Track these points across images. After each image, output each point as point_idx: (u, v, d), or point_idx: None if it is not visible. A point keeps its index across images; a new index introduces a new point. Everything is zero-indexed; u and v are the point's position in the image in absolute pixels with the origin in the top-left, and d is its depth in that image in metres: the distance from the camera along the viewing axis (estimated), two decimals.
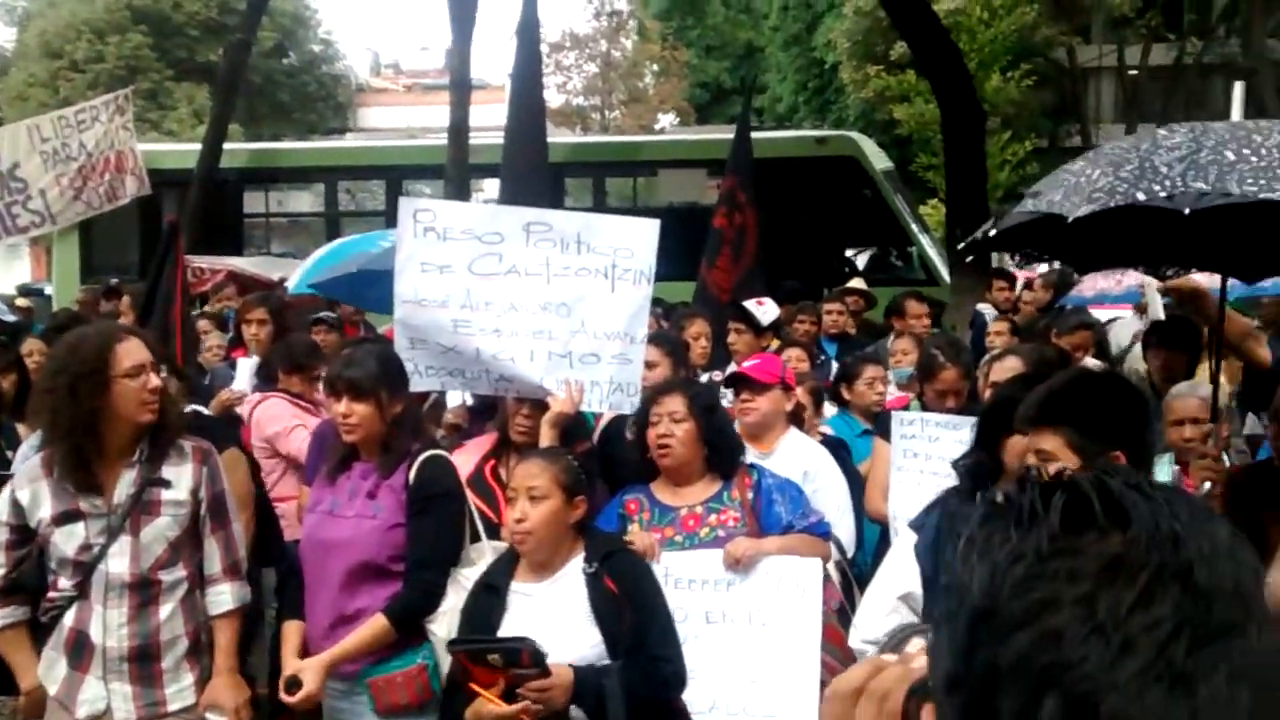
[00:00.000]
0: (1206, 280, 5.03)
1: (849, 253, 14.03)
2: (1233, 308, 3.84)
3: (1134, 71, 31.86)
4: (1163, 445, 4.32)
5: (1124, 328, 7.83)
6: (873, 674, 0.92)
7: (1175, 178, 2.70)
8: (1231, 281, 4.50)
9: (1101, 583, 0.73)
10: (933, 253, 13.22)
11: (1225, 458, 4.02)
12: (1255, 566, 0.78)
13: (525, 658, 2.85)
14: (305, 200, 16.91)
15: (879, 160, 14.18)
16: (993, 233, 3.41)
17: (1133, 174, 2.79)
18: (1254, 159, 2.69)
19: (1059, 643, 0.72)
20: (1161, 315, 6.25)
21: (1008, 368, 4.08)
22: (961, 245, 6.39)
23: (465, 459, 4.04)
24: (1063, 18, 29.14)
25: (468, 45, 14.87)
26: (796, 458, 4.19)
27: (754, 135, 9.93)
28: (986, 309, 9.15)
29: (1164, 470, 4.30)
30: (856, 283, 9.65)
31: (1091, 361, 6.43)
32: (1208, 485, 3.33)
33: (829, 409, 5.53)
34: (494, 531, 3.56)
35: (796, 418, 4.55)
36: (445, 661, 3.23)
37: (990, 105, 20.31)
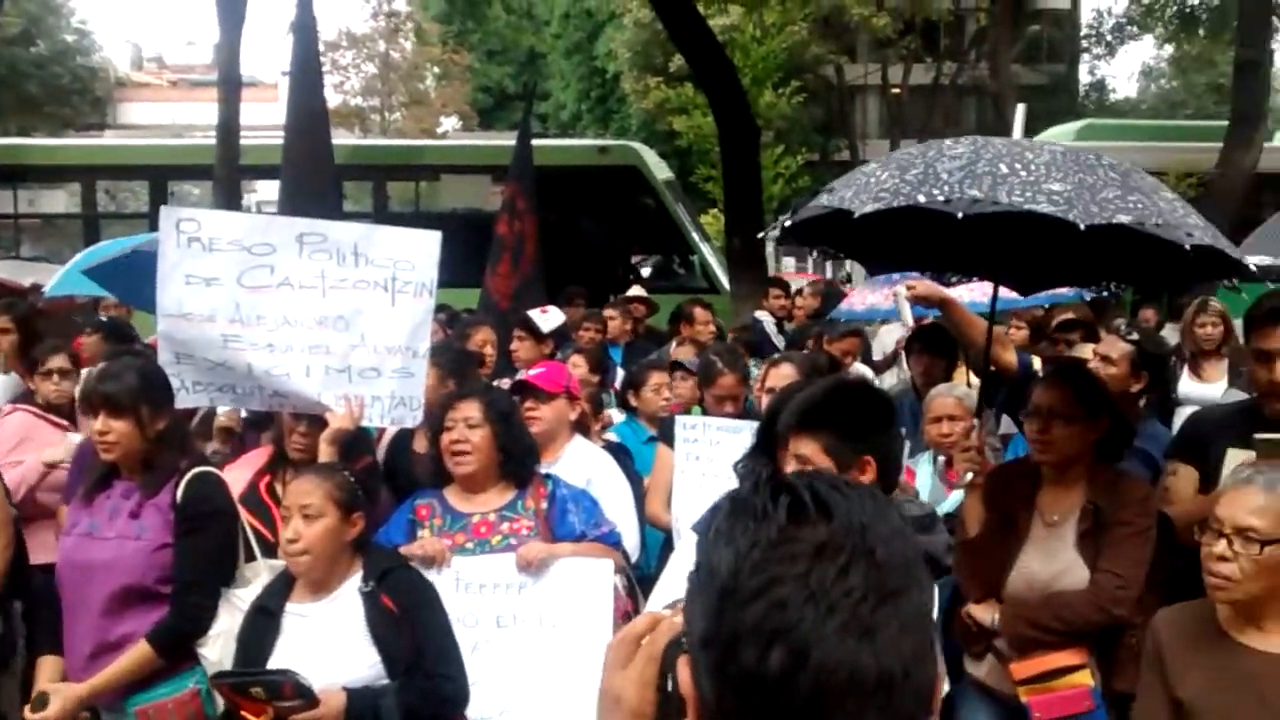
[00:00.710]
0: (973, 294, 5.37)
1: (635, 260, 14.27)
2: (984, 317, 4.10)
3: (897, 90, 33.78)
4: (924, 443, 4.61)
5: (889, 334, 8.27)
6: (652, 625, 1.15)
7: (954, 184, 2.90)
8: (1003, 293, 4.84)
9: (814, 563, 0.96)
10: (713, 261, 13.59)
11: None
12: (917, 544, 1.04)
13: (288, 690, 2.77)
14: (60, 200, 15.82)
15: (660, 170, 14.47)
16: (788, 222, 3.52)
17: (917, 178, 2.97)
18: (1024, 173, 2.92)
19: (784, 609, 0.94)
20: (910, 322, 6.67)
21: (783, 374, 4.25)
22: (762, 234, 6.64)
23: (239, 475, 3.88)
24: (831, 37, 30.60)
25: (237, 40, 14.29)
26: (580, 465, 4.21)
27: (538, 144, 9.93)
28: (764, 316, 9.47)
29: (925, 466, 4.58)
30: (637, 290, 9.79)
31: (860, 366, 6.78)
32: (970, 475, 3.54)
33: (616, 415, 5.59)
34: (271, 550, 3.43)
35: (581, 426, 4.57)
36: None
37: (764, 120, 21.06)
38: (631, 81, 30.36)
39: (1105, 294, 3.95)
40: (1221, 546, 2.47)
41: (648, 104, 28.20)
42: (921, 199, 2.86)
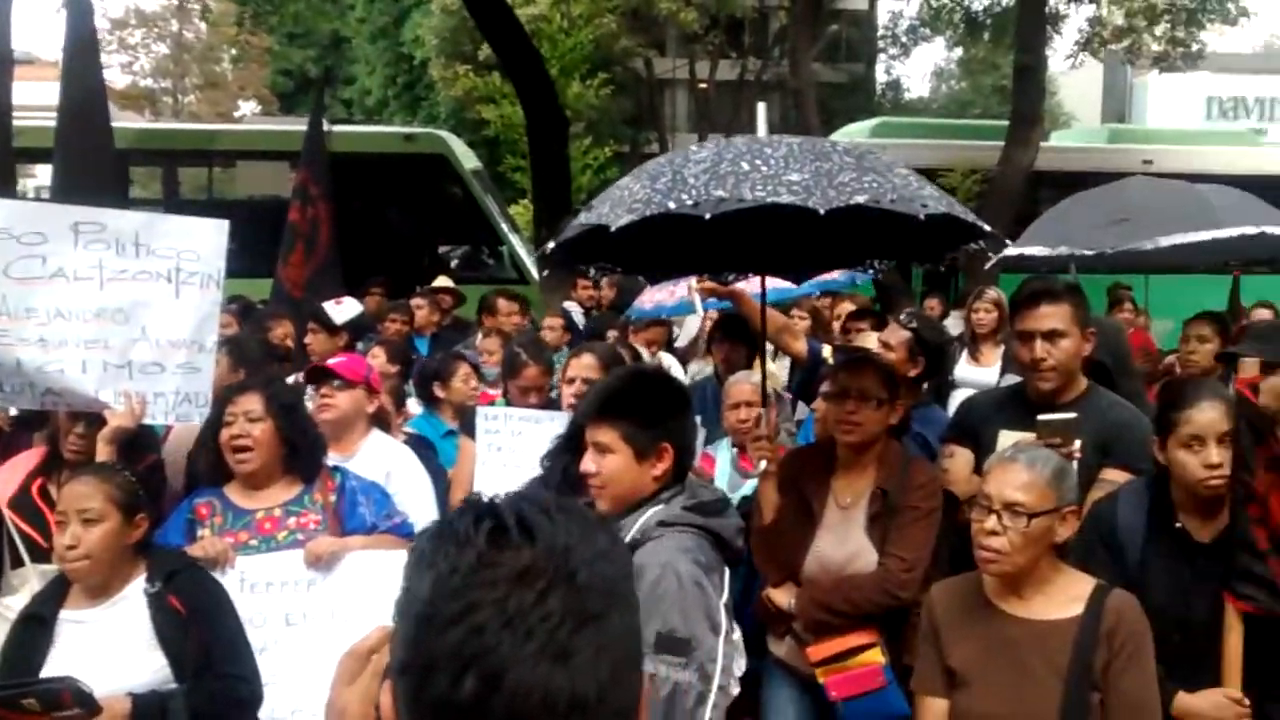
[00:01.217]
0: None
1: (443, 250, 14.10)
2: (775, 307, 4.25)
3: (704, 85, 34.40)
4: (723, 429, 4.72)
5: (694, 323, 8.45)
6: (382, 640, 1.15)
7: (700, 187, 2.99)
8: (777, 283, 5.00)
9: (513, 588, 0.96)
10: (523, 252, 13.54)
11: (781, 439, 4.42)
12: (626, 565, 1.06)
13: (67, 698, 2.61)
14: None
15: (468, 159, 14.31)
16: (550, 246, 3.59)
17: (666, 185, 3.05)
18: (764, 168, 3.03)
19: (481, 635, 0.94)
20: (701, 314, 6.88)
21: (584, 365, 4.26)
22: (535, 256, 6.66)
23: (8, 477, 3.68)
24: (639, 30, 30.89)
25: (8, 11, 13.29)
26: (379, 459, 4.12)
27: (341, 130, 9.68)
28: (573, 306, 9.51)
29: (725, 452, 4.69)
30: (443, 280, 9.65)
31: (664, 356, 6.91)
32: (764, 464, 3.63)
33: (414, 407, 5.50)
34: (44, 555, 3.23)
35: (380, 419, 4.48)
36: None
37: (573, 111, 21.12)
38: (440, 68, 29.85)
39: (871, 272, 4.15)
40: (992, 522, 2.62)
41: (456, 92, 27.79)
42: (672, 205, 2.93)
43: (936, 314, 9.39)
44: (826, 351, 4.75)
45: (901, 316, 4.65)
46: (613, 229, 2.96)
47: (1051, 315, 3.50)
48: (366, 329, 6.95)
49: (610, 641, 0.98)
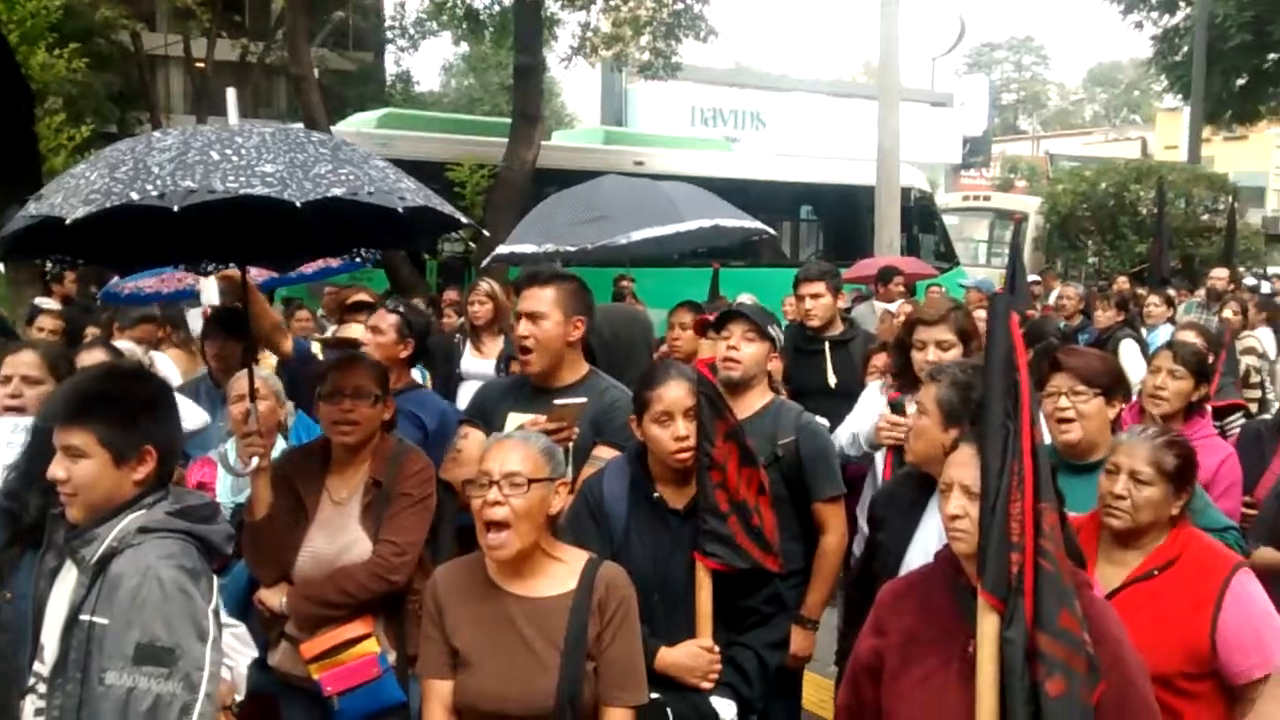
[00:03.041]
0: None
1: None
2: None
3: (201, 64, 32.35)
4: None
5: (195, 319, 7.93)
6: None
7: (166, 177, 2.81)
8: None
9: None
10: None
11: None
12: None
13: None
14: None
15: None
16: None
17: (128, 175, 2.84)
18: (235, 158, 2.91)
19: None
20: (216, 302, 6.50)
21: (23, 361, 3.82)
22: None
23: None
24: (125, 1, 28.40)
25: None
26: None
27: None
28: (48, 302, 8.65)
29: (231, 450, 4.45)
30: None
31: (156, 354, 6.39)
32: (255, 461, 3.49)
33: None
34: None
35: None
36: None
37: (39, 83, 18.95)
38: None
39: (360, 261, 4.14)
40: (494, 493, 2.69)
41: None
42: (135, 196, 2.75)
43: (454, 305, 9.51)
44: (316, 348, 4.68)
45: (387, 302, 4.73)
46: (68, 221, 2.69)
47: (535, 298, 3.70)
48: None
49: None
